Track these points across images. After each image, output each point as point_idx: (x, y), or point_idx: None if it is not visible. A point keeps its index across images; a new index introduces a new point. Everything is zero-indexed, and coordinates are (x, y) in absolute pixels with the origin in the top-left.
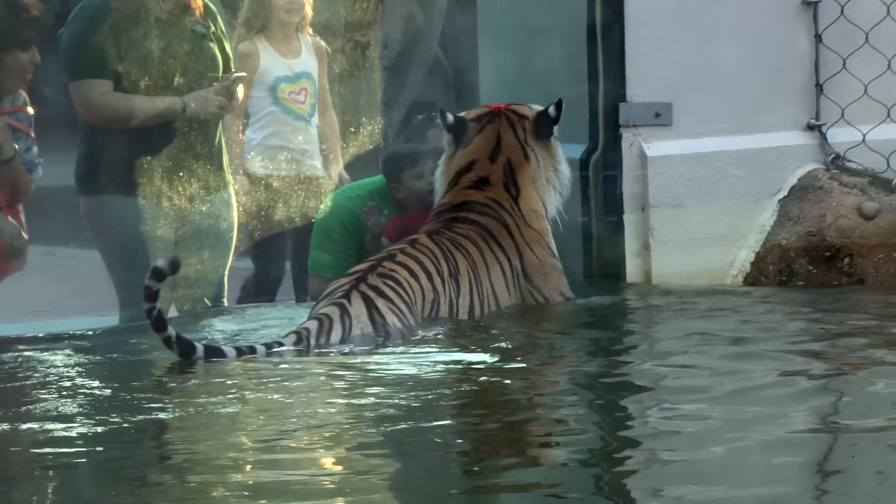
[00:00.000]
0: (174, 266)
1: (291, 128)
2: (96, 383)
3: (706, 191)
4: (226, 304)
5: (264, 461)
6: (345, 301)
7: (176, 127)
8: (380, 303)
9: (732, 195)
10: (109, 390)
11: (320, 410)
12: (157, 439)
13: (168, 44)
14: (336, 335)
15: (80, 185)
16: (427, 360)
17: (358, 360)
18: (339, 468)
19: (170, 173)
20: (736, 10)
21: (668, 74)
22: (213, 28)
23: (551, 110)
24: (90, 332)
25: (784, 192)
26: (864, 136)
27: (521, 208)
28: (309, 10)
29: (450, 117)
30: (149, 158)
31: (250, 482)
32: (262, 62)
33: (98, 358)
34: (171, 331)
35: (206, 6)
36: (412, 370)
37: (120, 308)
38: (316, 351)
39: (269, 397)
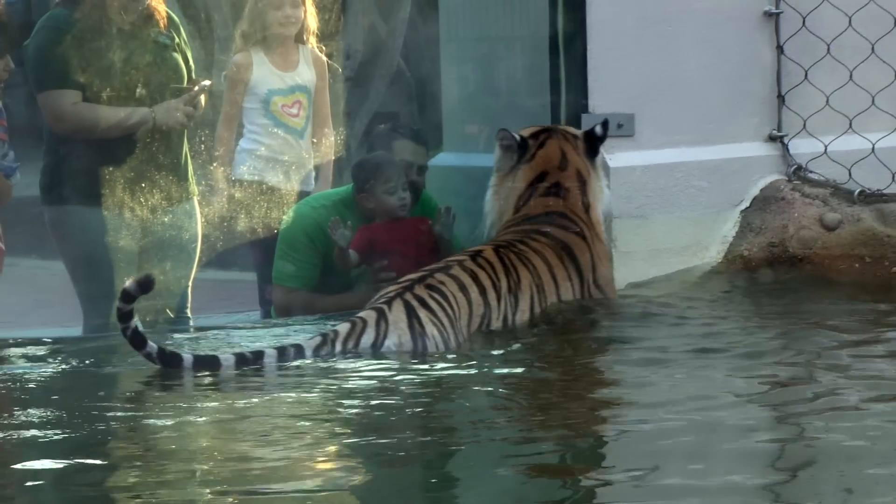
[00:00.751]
0: (143, 286)
1: (283, 141)
2: (62, 392)
3: (668, 202)
4: (189, 315)
5: (231, 476)
6: (385, 307)
7: (140, 138)
8: (421, 313)
9: (695, 206)
10: (74, 400)
11: (295, 423)
12: (122, 451)
13: (134, 54)
14: (368, 339)
15: (44, 196)
16: (435, 370)
17: (360, 369)
18: (309, 484)
19: (134, 184)
20: (698, 21)
21: (630, 85)
22: (176, 39)
23: (598, 129)
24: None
25: (746, 203)
26: (825, 147)
27: (592, 220)
28: (311, 22)
29: (516, 136)
30: (113, 169)
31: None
32: (256, 74)
33: (66, 367)
34: (152, 346)
35: (169, 17)
36: (410, 379)
37: (84, 319)
38: (334, 356)
39: (242, 406)
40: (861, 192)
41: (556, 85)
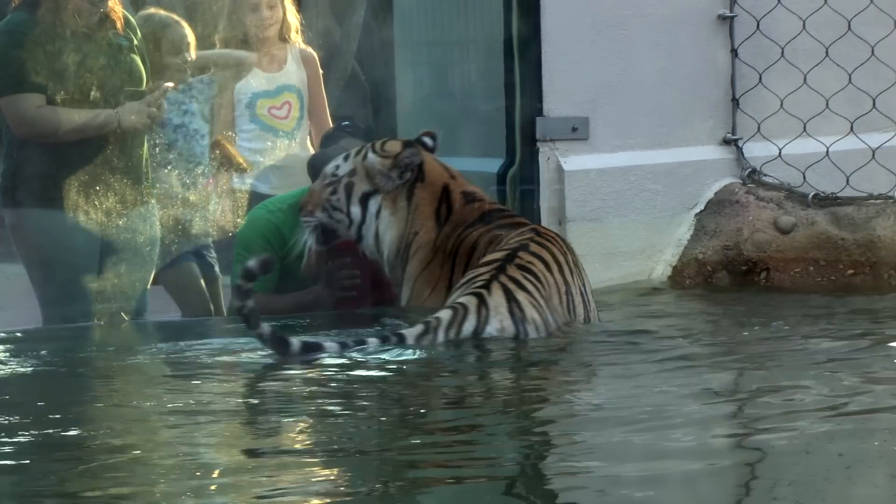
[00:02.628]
0: (265, 266)
1: (272, 144)
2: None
3: (623, 205)
4: (147, 318)
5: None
6: (484, 291)
7: (100, 142)
8: (520, 296)
9: (649, 209)
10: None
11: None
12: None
13: (95, 57)
14: (469, 326)
15: (4, 199)
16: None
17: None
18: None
19: (94, 188)
20: (652, 24)
21: (584, 89)
22: (134, 41)
23: (428, 142)
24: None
25: (701, 207)
26: (780, 150)
27: None
28: (292, 20)
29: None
30: (73, 173)
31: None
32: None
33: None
34: (265, 327)
35: (126, 19)
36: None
37: (43, 322)
38: (436, 344)
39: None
40: (815, 196)
41: (511, 88)
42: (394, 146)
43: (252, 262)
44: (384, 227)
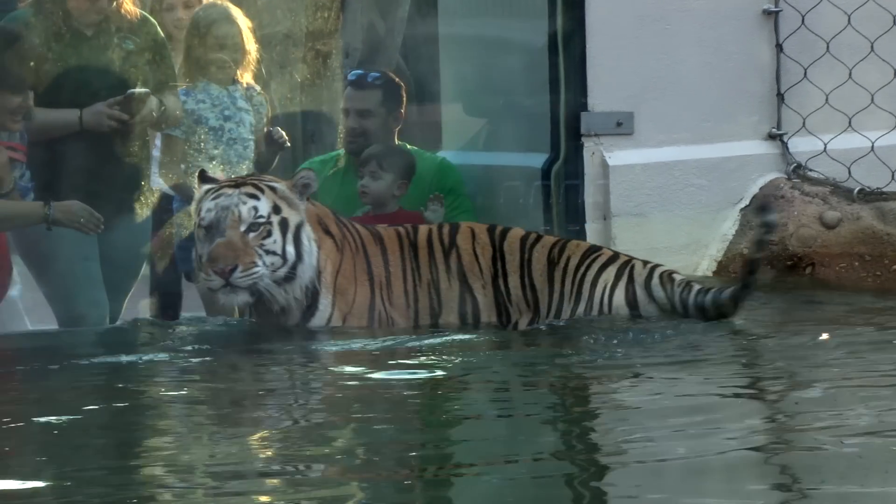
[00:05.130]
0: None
1: None
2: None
3: (667, 200)
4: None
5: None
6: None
7: (97, 141)
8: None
9: (694, 204)
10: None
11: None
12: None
13: (86, 59)
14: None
15: None
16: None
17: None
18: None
19: (93, 185)
20: (697, 19)
21: (629, 84)
22: (140, 42)
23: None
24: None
25: (746, 202)
26: (825, 145)
27: None
28: None
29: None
30: (68, 171)
31: None
32: None
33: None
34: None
35: (143, 18)
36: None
37: (55, 317)
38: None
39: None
40: (860, 191)
41: (556, 83)
42: (271, 177)
43: (771, 217)
44: (322, 255)
